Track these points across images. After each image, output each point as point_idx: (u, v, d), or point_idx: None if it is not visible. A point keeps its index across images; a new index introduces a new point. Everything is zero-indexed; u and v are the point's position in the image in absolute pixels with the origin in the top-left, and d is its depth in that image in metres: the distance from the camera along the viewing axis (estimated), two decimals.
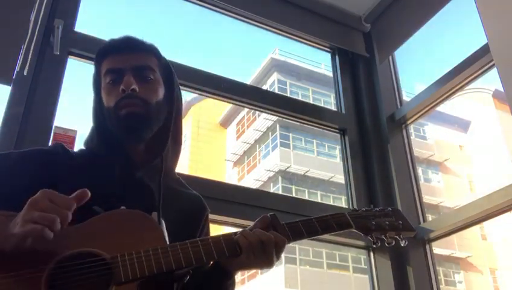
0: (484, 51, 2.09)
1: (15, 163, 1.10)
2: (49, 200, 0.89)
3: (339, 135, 2.64)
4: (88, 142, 1.22)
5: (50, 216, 0.87)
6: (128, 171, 1.13)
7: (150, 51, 1.22)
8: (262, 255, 1.01)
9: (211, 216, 1.30)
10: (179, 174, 1.29)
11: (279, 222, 1.08)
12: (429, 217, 2.39)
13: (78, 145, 1.77)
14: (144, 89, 1.15)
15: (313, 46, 2.86)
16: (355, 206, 2.36)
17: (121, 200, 1.05)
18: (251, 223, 1.09)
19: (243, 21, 2.63)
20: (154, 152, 1.18)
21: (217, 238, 1.03)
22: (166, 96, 1.21)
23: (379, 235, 1.16)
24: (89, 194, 0.93)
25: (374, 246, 1.17)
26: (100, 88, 1.19)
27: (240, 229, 1.06)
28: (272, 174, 8.87)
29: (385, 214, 1.19)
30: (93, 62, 1.24)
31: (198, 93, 2.43)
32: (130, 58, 1.17)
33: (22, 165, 1.10)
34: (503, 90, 1.82)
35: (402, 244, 1.18)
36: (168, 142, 1.20)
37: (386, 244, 1.17)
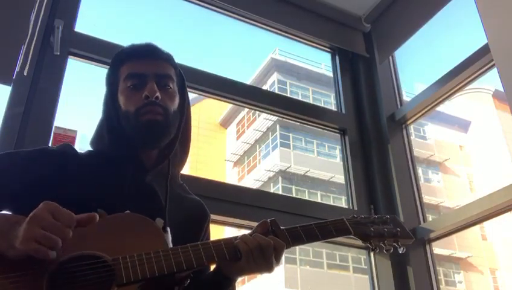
0: (484, 51, 2.09)
1: (24, 162, 1.10)
2: (52, 216, 0.87)
3: (339, 135, 2.64)
4: (96, 142, 1.21)
5: (53, 238, 0.85)
6: (138, 175, 1.14)
7: (169, 60, 1.24)
8: (261, 259, 1.02)
9: (211, 217, 1.30)
10: (181, 177, 1.30)
11: (279, 227, 1.09)
12: (429, 217, 2.39)
13: (78, 145, 1.77)
14: (164, 97, 1.16)
15: (313, 46, 2.86)
16: (355, 207, 2.36)
17: (127, 203, 1.05)
18: (251, 224, 1.10)
19: (243, 21, 2.63)
20: (164, 157, 1.19)
21: (218, 242, 1.04)
22: (180, 105, 1.22)
23: (377, 242, 1.18)
24: (98, 218, 0.93)
25: (372, 253, 1.18)
26: (116, 90, 1.19)
27: (240, 231, 1.07)
28: (272, 174, 8.85)
29: (383, 221, 1.21)
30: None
31: (198, 94, 2.42)
32: (153, 65, 1.18)
33: (31, 164, 1.09)
34: (503, 90, 1.82)
35: (400, 251, 1.20)
36: (175, 146, 1.21)
37: (385, 251, 1.19)
